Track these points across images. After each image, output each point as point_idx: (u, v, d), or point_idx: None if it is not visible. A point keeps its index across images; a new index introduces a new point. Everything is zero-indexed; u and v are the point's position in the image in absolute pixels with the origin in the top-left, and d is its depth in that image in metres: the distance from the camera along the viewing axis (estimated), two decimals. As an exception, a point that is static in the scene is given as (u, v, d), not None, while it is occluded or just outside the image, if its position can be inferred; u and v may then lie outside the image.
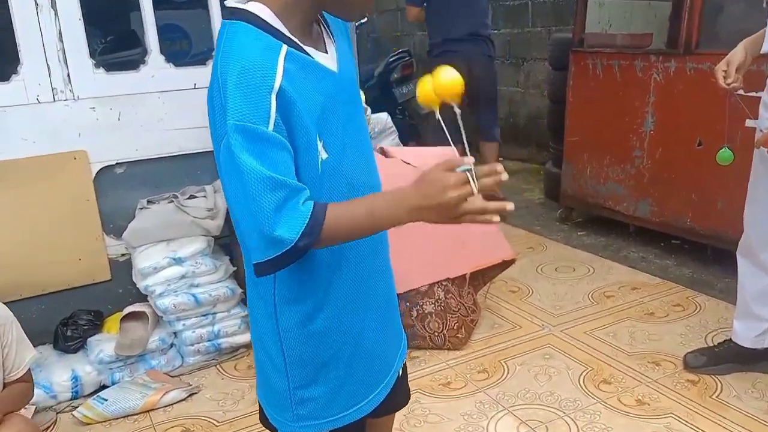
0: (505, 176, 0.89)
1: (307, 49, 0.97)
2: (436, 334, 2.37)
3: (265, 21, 0.94)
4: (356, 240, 1.00)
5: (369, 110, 3.71)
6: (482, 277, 2.57)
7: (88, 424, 2.07)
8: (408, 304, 2.35)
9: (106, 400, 2.13)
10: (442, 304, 2.37)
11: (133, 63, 2.54)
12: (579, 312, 2.61)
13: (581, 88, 3.43)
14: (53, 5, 2.33)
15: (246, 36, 0.93)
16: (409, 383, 1.39)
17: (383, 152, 2.51)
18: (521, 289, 2.84)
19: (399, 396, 1.31)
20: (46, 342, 2.37)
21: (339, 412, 1.11)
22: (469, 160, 0.88)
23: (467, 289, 2.45)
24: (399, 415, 1.93)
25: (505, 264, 2.57)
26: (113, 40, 2.95)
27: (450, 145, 0.99)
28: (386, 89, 4.92)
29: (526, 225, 3.65)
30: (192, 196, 2.50)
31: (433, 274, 2.38)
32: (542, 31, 4.74)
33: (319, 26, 1.05)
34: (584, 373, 2.17)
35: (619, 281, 2.86)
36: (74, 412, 2.10)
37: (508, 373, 2.21)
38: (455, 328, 2.37)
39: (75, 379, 2.23)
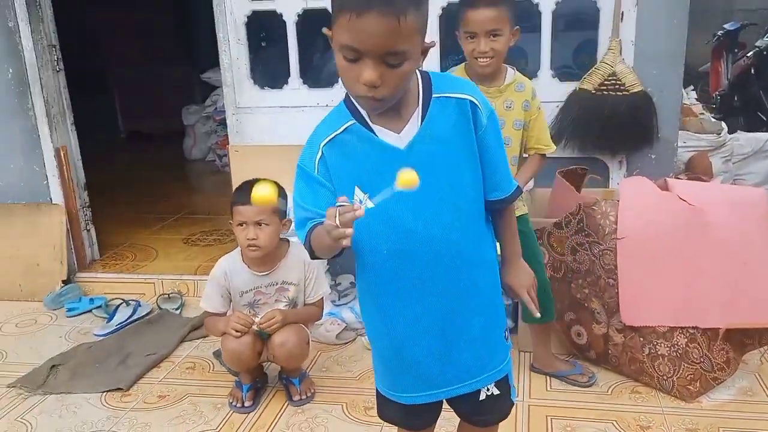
0: (360, 212, 1.11)
1: (375, 126, 1.34)
2: (665, 378, 2.34)
3: (352, 102, 1.36)
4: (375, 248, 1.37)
5: (724, 130, 3.44)
6: (759, 336, 2.36)
7: (369, 350, 2.81)
8: (642, 339, 2.38)
9: (387, 336, 2.84)
10: (680, 351, 2.32)
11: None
12: None
13: None
14: (419, 31, 3.01)
15: (334, 109, 1.39)
16: (503, 406, 1.55)
17: (665, 185, 2.49)
18: (820, 366, 2.46)
19: (484, 414, 1.56)
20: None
21: (385, 387, 1.53)
22: (342, 199, 1.15)
23: (720, 344, 2.31)
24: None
25: (790, 331, 2.30)
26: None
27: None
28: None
29: None
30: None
31: (678, 318, 2.33)
32: None
33: (415, 110, 1.34)
34: (803, 476, 1.92)
35: None
36: (363, 338, 2.87)
37: (717, 441, 2.10)
38: (688, 378, 2.30)
39: (379, 314, 3.00)
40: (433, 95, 1.35)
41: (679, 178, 3.03)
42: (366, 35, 1.16)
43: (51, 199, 3.48)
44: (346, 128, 1.35)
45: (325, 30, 1.25)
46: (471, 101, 1.36)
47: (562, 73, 3.00)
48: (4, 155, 3.47)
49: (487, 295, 1.49)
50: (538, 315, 1.60)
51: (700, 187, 2.53)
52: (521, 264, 1.59)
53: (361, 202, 1.35)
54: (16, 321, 3.20)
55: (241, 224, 2.29)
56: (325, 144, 1.36)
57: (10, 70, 3.34)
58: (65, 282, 3.40)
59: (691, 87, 4.52)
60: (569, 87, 2.89)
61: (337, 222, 1.12)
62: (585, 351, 2.56)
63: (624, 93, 2.76)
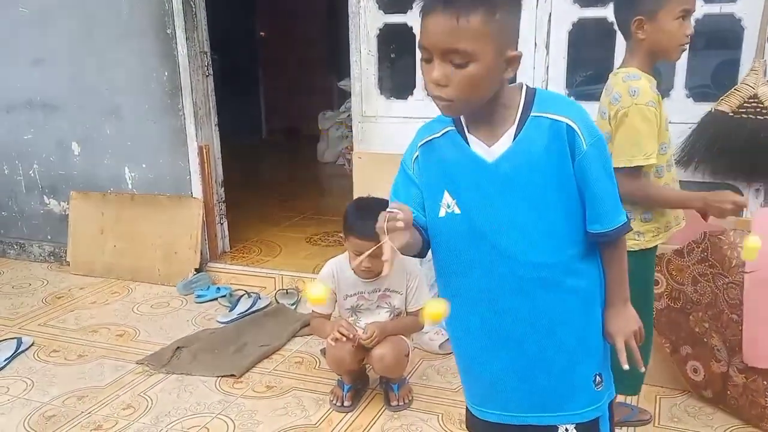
0: (400, 223, 1.16)
1: (470, 136, 1.34)
2: (790, 428, 2.14)
3: None
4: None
5: None
6: None
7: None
8: (765, 382, 2.19)
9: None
10: (809, 401, 2.12)
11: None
12: None
13: None
14: (547, 46, 2.98)
15: (440, 115, 1.36)
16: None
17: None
18: None
19: None
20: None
21: (467, 397, 1.53)
22: (393, 204, 1.21)
23: None
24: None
25: None
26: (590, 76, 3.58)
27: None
28: None
29: None
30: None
31: (808, 365, 2.13)
32: None
33: (511, 127, 1.31)
34: None
35: None
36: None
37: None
38: (816, 432, 2.10)
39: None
40: (531, 114, 1.30)
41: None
42: (429, 33, 1.22)
43: (192, 192, 3.78)
44: (443, 133, 1.38)
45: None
46: (568, 125, 1.28)
47: (698, 93, 2.82)
48: (155, 151, 3.82)
49: (575, 331, 1.38)
50: (626, 367, 1.40)
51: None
52: (625, 309, 1.43)
53: (449, 206, 1.37)
54: (152, 303, 3.51)
55: (357, 252, 2.31)
56: (422, 144, 1.40)
57: (166, 73, 3.68)
58: (197, 270, 3.68)
59: None
60: (704, 108, 2.72)
61: (384, 227, 1.17)
62: (701, 389, 2.39)
63: (766, 117, 2.56)
